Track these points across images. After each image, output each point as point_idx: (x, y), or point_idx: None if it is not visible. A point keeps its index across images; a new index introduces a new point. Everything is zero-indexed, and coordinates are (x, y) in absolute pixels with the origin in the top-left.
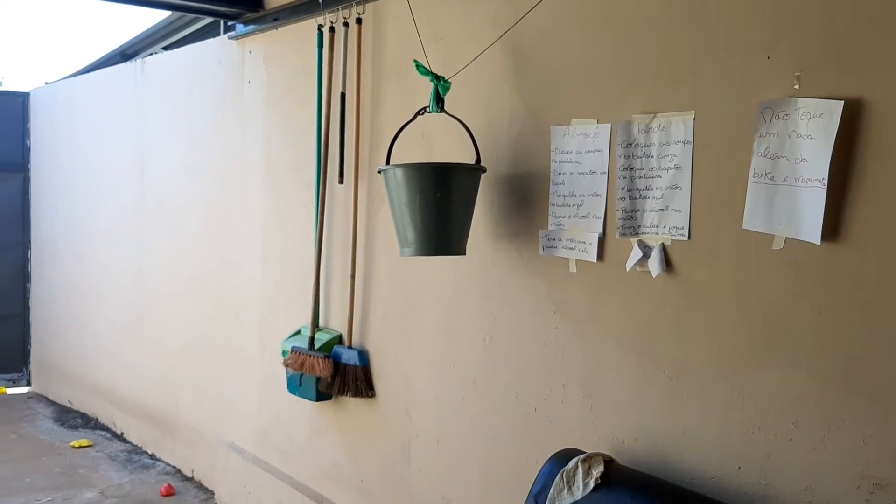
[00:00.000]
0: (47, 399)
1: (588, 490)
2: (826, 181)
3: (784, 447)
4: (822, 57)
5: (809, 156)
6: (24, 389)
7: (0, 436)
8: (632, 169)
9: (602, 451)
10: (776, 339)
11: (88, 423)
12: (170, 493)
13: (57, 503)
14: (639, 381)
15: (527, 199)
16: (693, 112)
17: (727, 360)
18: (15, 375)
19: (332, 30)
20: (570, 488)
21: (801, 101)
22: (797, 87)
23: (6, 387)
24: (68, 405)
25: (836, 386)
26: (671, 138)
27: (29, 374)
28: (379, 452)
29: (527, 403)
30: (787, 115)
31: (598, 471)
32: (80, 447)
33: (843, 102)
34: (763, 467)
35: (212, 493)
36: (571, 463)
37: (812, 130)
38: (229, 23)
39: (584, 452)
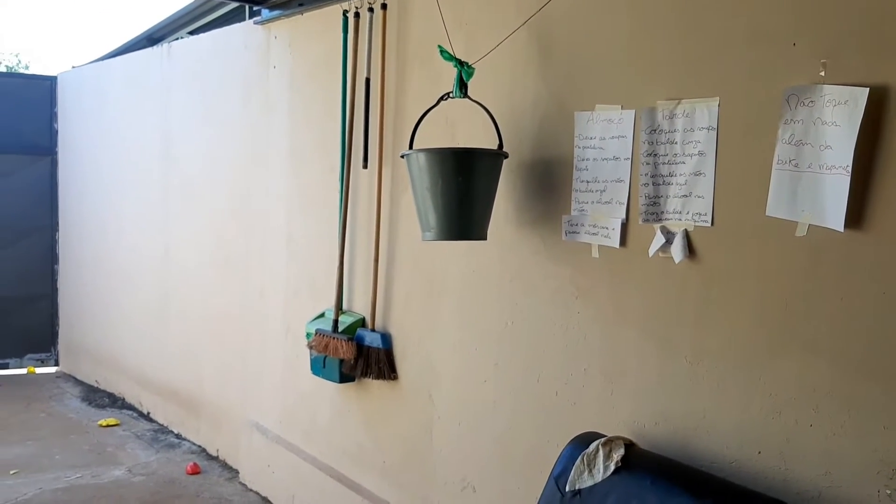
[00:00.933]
0: (75, 379)
1: (609, 473)
2: (850, 168)
3: (804, 432)
4: (847, 44)
5: (834, 143)
6: (52, 369)
7: (29, 414)
8: (655, 155)
9: (623, 435)
10: (798, 325)
11: (115, 402)
12: (195, 471)
13: (86, 480)
14: (660, 366)
15: (549, 184)
16: (717, 98)
17: (748, 346)
18: (43, 355)
19: (356, 15)
20: (590, 471)
21: (827, 88)
22: (823, 73)
23: (35, 366)
24: (95, 385)
25: (857, 373)
26: (695, 125)
27: (57, 354)
28: (401, 434)
29: (548, 387)
30: (812, 101)
31: (618, 454)
32: (108, 426)
33: (868, 90)
34: (783, 452)
35: (236, 471)
36: (592, 446)
37: (837, 117)
38: (255, 7)
39: (604, 436)
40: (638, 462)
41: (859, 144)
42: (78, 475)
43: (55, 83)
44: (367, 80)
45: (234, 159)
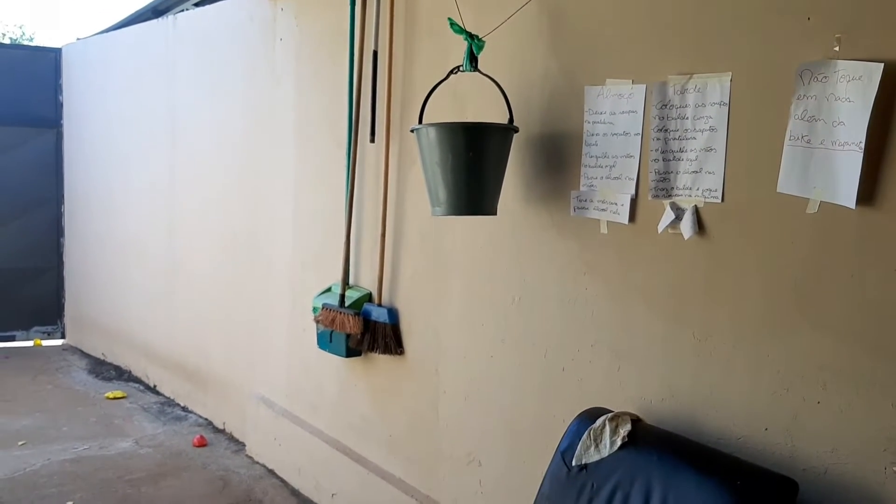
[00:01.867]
0: (81, 351)
1: (615, 448)
2: (863, 145)
3: (812, 409)
4: (862, 18)
5: (847, 119)
6: (58, 342)
7: (36, 386)
8: (666, 130)
9: (629, 411)
10: (807, 302)
11: (122, 375)
12: (202, 444)
13: (93, 451)
14: (667, 342)
15: (559, 159)
16: (730, 73)
17: (757, 323)
18: (50, 328)
19: None
20: (597, 446)
21: (841, 64)
22: (837, 48)
23: (41, 339)
24: (102, 357)
25: (866, 350)
26: (707, 100)
27: (63, 327)
28: (407, 408)
29: (555, 363)
30: (825, 77)
31: (625, 429)
32: (115, 398)
33: (882, 65)
34: (790, 429)
35: (243, 444)
36: (599, 421)
37: (850, 93)
38: None
39: (611, 411)
40: (644, 437)
41: (873, 121)
42: (85, 447)
43: (60, 55)
44: (375, 54)
45: (241, 133)
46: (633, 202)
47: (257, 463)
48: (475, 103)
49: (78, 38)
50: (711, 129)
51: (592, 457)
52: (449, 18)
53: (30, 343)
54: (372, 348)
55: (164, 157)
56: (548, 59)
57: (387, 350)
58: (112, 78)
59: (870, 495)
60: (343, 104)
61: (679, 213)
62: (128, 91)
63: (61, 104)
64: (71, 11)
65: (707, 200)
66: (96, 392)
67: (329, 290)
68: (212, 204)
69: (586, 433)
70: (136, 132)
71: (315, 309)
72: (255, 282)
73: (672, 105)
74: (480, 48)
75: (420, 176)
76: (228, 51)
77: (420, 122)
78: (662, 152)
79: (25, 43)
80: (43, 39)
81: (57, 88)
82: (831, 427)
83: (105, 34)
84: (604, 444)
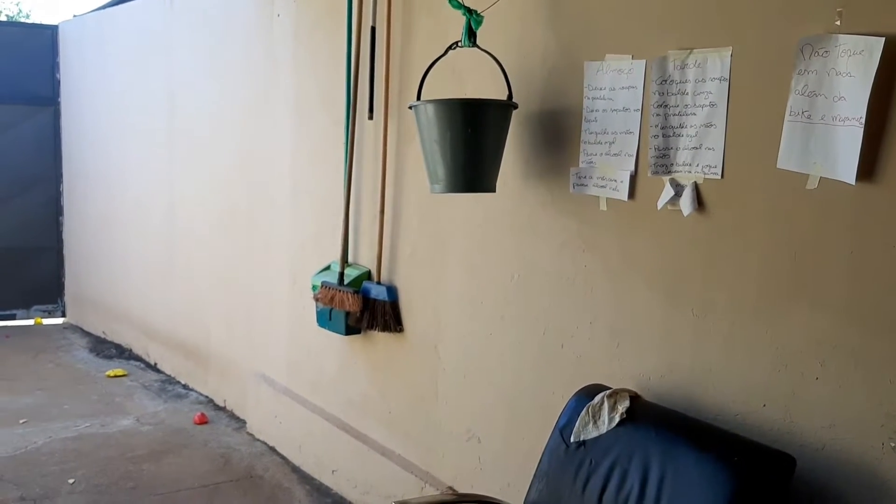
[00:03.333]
0: (82, 330)
1: (613, 424)
2: (864, 120)
3: (809, 385)
4: None
5: (848, 94)
6: (59, 320)
7: (37, 365)
8: (666, 106)
9: (628, 387)
10: (806, 278)
11: (123, 353)
12: (203, 421)
13: (95, 429)
14: (667, 319)
15: (558, 136)
16: (730, 48)
17: (756, 300)
18: (50, 307)
19: None
20: (595, 422)
21: (842, 38)
22: (838, 23)
23: (42, 318)
24: (103, 336)
25: (864, 326)
26: (707, 75)
27: (64, 306)
28: (407, 385)
29: (554, 340)
30: (826, 52)
31: (623, 406)
32: (116, 376)
33: (884, 39)
34: (788, 405)
35: (243, 422)
36: (597, 398)
37: (851, 68)
38: None
39: (610, 388)
40: (643, 414)
41: (873, 96)
42: (87, 424)
43: (56, 32)
44: (373, 30)
45: (239, 111)
46: (633, 179)
47: (258, 440)
48: (474, 80)
49: (74, 16)
50: (711, 104)
51: (591, 433)
52: None
53: (30, 322)
54: (371, 326)
55: (162, 135)
56: (547, 35)
57: (386, 328)
58: (109, 55)
59: (867, 470)
60: (341, 81)
61: (678, 189)
62: (125, 68)
63: (58, 82)
64: None
65: (707, 177)
66: (97, 370)
67: (328, 268)
68: (210, 182)
69: (585, 410)
70: (134, 110)
71: (314, 287)
72: (254, 260)
73: (672, 80)
74: (479, 23)
75: (419, 153)
76: (226, 28)
77: (418, 98)
78: (662, 128)
79: (22, 20)
80: (40, 17)
81: (54, 66)
82: (829, 403)
83: (102, 11)
84: (602, 421)
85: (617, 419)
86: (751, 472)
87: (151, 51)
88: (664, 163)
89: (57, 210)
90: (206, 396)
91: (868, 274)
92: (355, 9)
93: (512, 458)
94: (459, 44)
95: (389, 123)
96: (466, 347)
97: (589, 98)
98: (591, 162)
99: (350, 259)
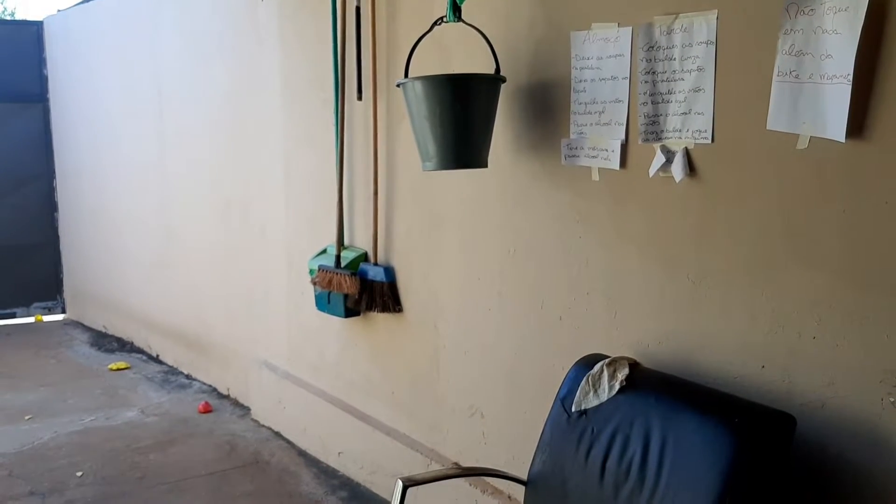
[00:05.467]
0: (83, 325)
1: (613, 392)
2: (851, 77)
3: (807, 345)
4: None
5: (835, 52)
6: (59, 317)
7: (40, 361)
8: (654, 73)
9: (627, 355)
10: (800, 239)
11: (124, 346)
12: (207, 410)
13: (100, 422)
14: (662, 286)
15: (548, 108)
16: (716, 11)
17: (751, 263)
18: (50, 303)
19: None
20: (595, 391)
21: None
22: None
23: (42, 315)
24: (103, 330)
25: (859, 284)
26: (693, 39)
27: (63, 302)
28: (408, 365)
29: (552, 312)
30: (812, 10)
31: (622, 374)
32: (118, 369)
33: None
34: (786, 365)
35: (247, 409)
36: (597, 367)
37: (838, 25)
38: None
39: (609, 357)
40: (642, 381)
41: (860, 52)
42: (92, 418)
43: (42, 28)
44: (358, 9)
45: (227, 97)
46: (624, 147)
47: (263, 426)
48: (461, 55)
49: (59, 10)
50: (699, 69)
51: (591, 402)
52: None
53: (31, 319)
54: (370, 307)
55: (152, 127)
56: (533, 6)
57: (385, 308)
58: (95, 48)
59: (867, 427)
60: (328, 63)
61: (670, 155)
62: (112, 61)
63: (46, 78)
64: None
65: (697, 142)
66: (99, 364)
67: (324, 251)
68: (202, 171)
69: (585, 379)
70: (123, 102)
71: (311, 271)
72: (250, 247)
73: (659, 46)
74: None
75: (410, 132)
76: (211, 14)
77: (406, 76)
78: (651, 95)
79: (6, 18)
80: (25, 13)
81: (41, 62)
82: (827, 361)
83: (85, 4)
84: (602, 389)
85: (617, 387)
86: (752, 432)
87: (137, 41)
88: (654, 130)
89: (51, 206)
90: (209, 385)
91: (862, 231)
92: None
93: (515, 430)
94: (445, 19)
95: (379, 103)
96: (466, 324)
97: (577, 68)
98: (582, 132)
99: (346, 241)
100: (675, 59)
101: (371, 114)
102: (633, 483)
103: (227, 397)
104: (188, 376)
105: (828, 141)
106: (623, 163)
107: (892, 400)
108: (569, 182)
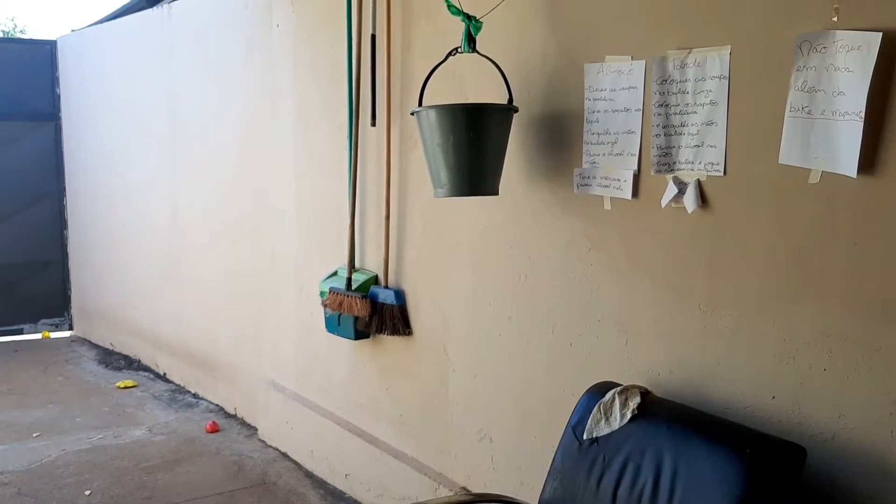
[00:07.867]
0: (90, 342)
1: (625, 420)
2: (863, 114)
3: (818, 376)
4: None
5: (847, 89)
6: (66, 333)
7: (47, 378)
8: (667, 105)
9: (638, 384)
10: (811, 271)
11: (131, 364)
12: (215, 429)
13: (108, 440)
14: (673, 315)
15: (560, 137)
16: (729, 47)
17: (762, 293)
18: (57, 320)
19: None
20: (607, 419)
21: (839, 34)
22: (835, 19)
23: (49, 331)
24: (111, 348)
25: (870, 316)
26: (707, 74)
27: (71, 319)
28: (417, 388)
29: (562, 339)
30: (824, 47)
31: (634, 402)
32: (126, 388)
33: (881, 34)
34: (797, 396)
35: (255, 429)
36: (608, 395)
37: (850, 63)
38: None
39: (620, 385)
40: (654, 409)
41: (872, 90)
42: (100, 436)
43: (55, 47)
44: (373, 37)
45: (240, 120)
46: (636, 178)
47: (270, 446)
48: (474, 84)
49: (73, 30)
50: (712, 102)
51: (603, 430)
52: (446, 0)
53: (38, 336)
54: (380, 330)
55: (164, 147)
56: (546, 38)
57: (395, 331)
58: (109, 69)
59: (877, 458)
60: (342, 89)
61: (682, 187)
62: (126, 82)
63: (59, 97)
64: (62, 2)
65: (709, 174)
66: (107, 382)
67: (335, 273)
68: (214, 191)
69: (596, 407)
70: (136, 123)
71: (322, 293)
72: (260, 268)
73: (672, 80)
74: (478, 29)
75: (422, 158)
76: (225, 39)
77: (420, 104)
78: (664, 127)
79: (19, 36)
80: (36, 32)
81: (54, 81)
82: (838, 393)
83: (100, 25)
84: (614, 417)
85: (629, 415)
86: (762, 463)
87: (151, 63)
88: (667, 161)
89: (61, 224)
90: (217, 405)
91: (872, 264)
92: (354, 18)
93: (524, 456)
94: (459, 50)
95: (392, 129)
96: (475, 348)
97: (590, 99)
98: (594, 162)
99: (357, 264)
100: (688, 93)
101: (384, 139)
102: None
103: (234, 417)
104: (195, 395)
105: (839, 176)
106: (635, 193)
107: None
108: (580, 210)
